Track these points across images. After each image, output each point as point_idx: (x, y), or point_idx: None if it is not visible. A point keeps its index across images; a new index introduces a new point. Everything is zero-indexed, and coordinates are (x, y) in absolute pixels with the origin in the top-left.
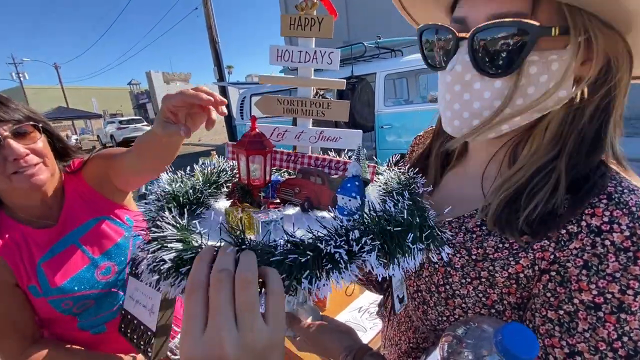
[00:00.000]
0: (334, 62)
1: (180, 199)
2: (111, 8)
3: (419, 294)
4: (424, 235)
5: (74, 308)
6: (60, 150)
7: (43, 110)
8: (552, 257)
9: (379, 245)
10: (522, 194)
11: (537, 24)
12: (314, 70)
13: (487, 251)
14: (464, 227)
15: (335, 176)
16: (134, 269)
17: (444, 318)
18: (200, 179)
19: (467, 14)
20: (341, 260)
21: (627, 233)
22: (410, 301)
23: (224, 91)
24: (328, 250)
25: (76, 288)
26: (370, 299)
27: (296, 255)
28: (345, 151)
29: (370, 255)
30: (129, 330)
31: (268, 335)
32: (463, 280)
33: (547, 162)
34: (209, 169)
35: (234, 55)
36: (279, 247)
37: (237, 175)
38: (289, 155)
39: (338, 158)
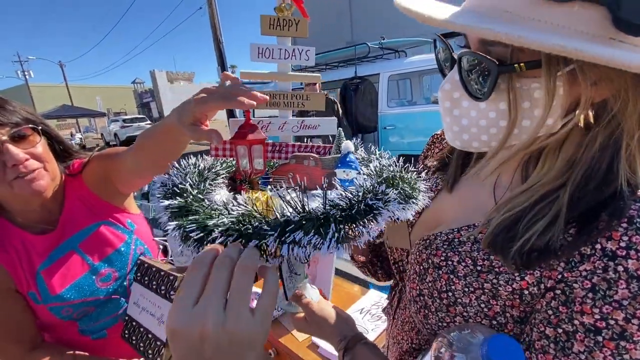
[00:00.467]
0: (311, 59)
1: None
2: (116, 7)
3: (421, 298)
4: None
5: (74, 314)
6: (60, 152)
7: (47, 108)
8: (559, 276)
9: (397, 194)
10: (521, 219)
11: (496, 62)
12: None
13: (493, 264)
14: (472, 236)
15: (326, 157)
16: (138, 275)
17: (444, 324)
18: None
19: (467, 32)
20: (379, 208)
21: None
22: (413, 304)
23: None
24: (367, 202)
25: (76, 296)
26: (372, 300)
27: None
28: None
29: (394, 203)
30: (134, 337)
31: (250, 328)
32: (466, 289)
33: (553, 190)
34: (201, 165)
35: (237, 55)
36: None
37: (237, 167)
38: (273, 146)
39: (319, 144)
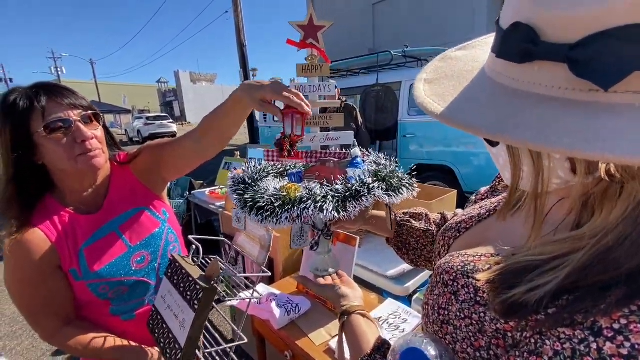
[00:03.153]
0: (332, 90)
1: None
2: (145, 9)
3: (426, 307)
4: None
5: (109, 293)
6: (110, 140)
7: None
8: (540, 329)
9: (380, 185)
10: (533, 269)
11: None
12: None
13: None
14: (488, 264)
15: (343, 160)
16: (169, 271)
17: (438, 337)
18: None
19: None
20: (366, 192)
21: (624, 352)
22: (422, 309)
23: None
24: (355, 188)
25: (112, 274)
26: (390, 310)
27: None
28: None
29: (379, 190)
30: (157, 331)
31: None
32: (459, 314)
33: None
34: (252, 168)
35: (259, 59)
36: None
37: (282, 133)
38: (306, 154)
39: (338, 151)
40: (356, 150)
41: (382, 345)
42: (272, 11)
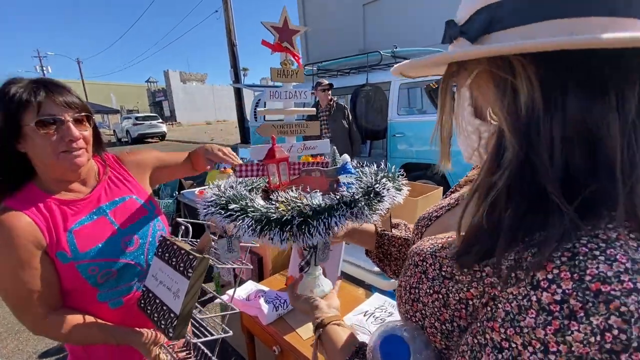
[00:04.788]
0: (307, 98)
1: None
2: (133, 7)
3: (400, 289)
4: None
5: (98, 276)
6: (97, 139)
7: None
8: (494, 293)
9: (365, 202)
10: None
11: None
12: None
13: (454, 271)
14: (454, 244)
15: (328, 168)
16: (159, 250)
17: (408, 316)
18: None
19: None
20: (363, 207)
21: (558, 297)
22: (396, 294)
23: (239, 93)
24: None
25: (102, 254)
26: (376, 304)
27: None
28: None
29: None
30: (149, 307)
31: None
32: (429, 290)
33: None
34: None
35: (250, 58)
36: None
37: (268, 182)
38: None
39: (320, 160)
40: (346, 156)
41: (360, 349)
42: (262, 11)
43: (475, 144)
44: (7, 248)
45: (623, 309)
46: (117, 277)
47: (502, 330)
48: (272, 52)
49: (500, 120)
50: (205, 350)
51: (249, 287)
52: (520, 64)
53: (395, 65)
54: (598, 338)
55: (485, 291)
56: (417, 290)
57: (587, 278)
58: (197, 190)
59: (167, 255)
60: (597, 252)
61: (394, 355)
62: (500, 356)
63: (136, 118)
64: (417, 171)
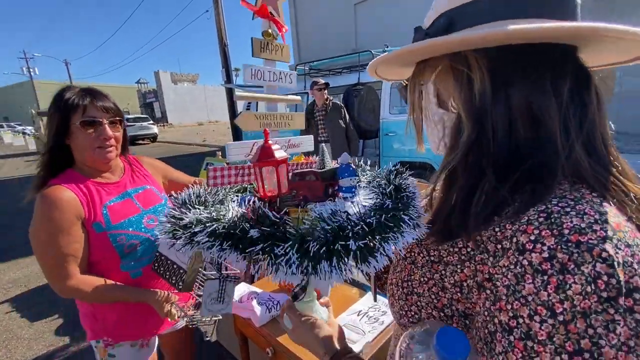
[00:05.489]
0: (293, 82)
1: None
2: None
3: (391, 287)
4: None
5: (125, 246)
6: (124, 143)
7: None
8: (488, 271)
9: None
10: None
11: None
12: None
13: (441, 253)
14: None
15: (323, 170)
16: (155, 263)
17: (403, 312)
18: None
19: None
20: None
21: (546, 254)
22: (388, 293)
23: (230, 93)
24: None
25: (129, 227)
26: (370, 303)
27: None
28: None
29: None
30: (161, 268)
31: None
32: (422, 279)
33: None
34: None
35: (242, 58)
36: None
37: (259, 189)
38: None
39: (305, 160)
40: (346, 156)
41: None
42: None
43: (440, 134)
44: (50, 215)
45: (604, 254)
46: (140, 250)
47: (509, 307)
48: (255, 16)
49: (459, 106)
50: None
51: (242, 289)
52: (474, 57)
53: (369, 64)
54: (593, 287)
55: (477, 269)
56: (409, 283)
57: (565, 231)
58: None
59: (157, 267)
60: (569, 209)
61: (450, 348)
62: (511, 338)
63: (127, 119)
64: (410, 170)
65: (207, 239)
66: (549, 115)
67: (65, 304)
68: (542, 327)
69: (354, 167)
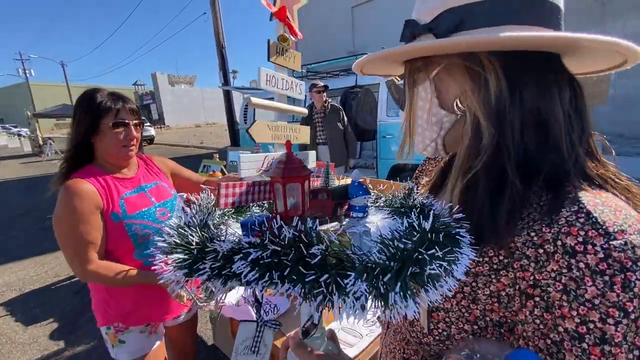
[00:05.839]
0: (302, 93)
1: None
2: (120, 9)
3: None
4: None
5: (139, 235)
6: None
7: (47, 106)
8: (532, 278)
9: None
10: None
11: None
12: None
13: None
14: None
15: (335, 187)
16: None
17: (427, 331)
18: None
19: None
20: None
21: (601, 255)
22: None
23: (228, 95)
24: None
25: (143, 217)
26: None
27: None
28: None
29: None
30: None
31: None
32: (447, 295)
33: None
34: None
35: (239, 61)
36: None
37: (275, 209)
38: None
39: (317, 177)
40: (357, 173)
41: None
42: (251, 13)
43: (434, 135)
44: (72, 205)
45: None
46: (152, 240)
47: (574, 313)
48: (272, 17)
49: (476, 108)
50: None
51: (238, 292)
52: (488, 59)
53: (360, 60)
54: None
55: (517, 277)
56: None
57: (610, 229)
58: (184, 195)
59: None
60: (601, 207)
61: None
62: (584, 345)
63: None
64: (406, 172)
65: (248, 269)
66: (555, 120)
67: (60, 307)
68: (618, 329)
69: (363, 185)
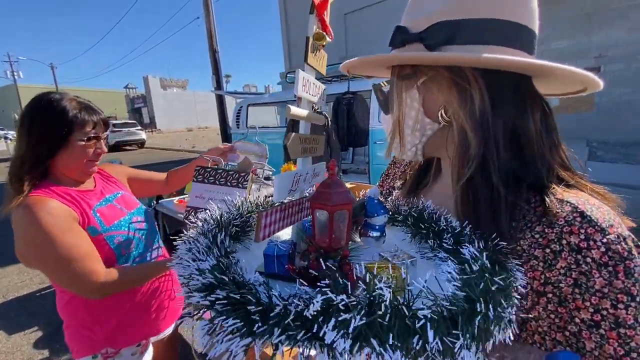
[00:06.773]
0: (325, 100)
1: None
2: (112, 12)
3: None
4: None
5: (122, 246)
6: None
7: None
8: (542, 277)
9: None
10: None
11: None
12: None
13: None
14: None
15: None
16: (199, 177)
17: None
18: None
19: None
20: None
21: (603, 249)
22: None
23: (221, 99)
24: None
25: (122, 227)
26: None
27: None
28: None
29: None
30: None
31: None
32: (535, 298)
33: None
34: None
35: (232, 65)
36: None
37: (314, 239)
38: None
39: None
40: (375, 190)
41: None
42: (244, 17)
43: (416, 141)
44: (44, 224)
45: (633, 238)
46: (135, 250)
47: (587, 304)
48: (313, 8)
49: (462, 120)
50: None
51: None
52: (472, 74)
53: (369, 56)
54: None
55: (527, 277)
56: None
57: (604, 225)
58: (176, 199)
59: (211, 178)
60: (589, 206)
61: None
62: (601, 331)
63: (114, 125)
64: None
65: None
66: (529, 137)
67: (45, 315)
68: (629, 312)
69: (380, 201)
